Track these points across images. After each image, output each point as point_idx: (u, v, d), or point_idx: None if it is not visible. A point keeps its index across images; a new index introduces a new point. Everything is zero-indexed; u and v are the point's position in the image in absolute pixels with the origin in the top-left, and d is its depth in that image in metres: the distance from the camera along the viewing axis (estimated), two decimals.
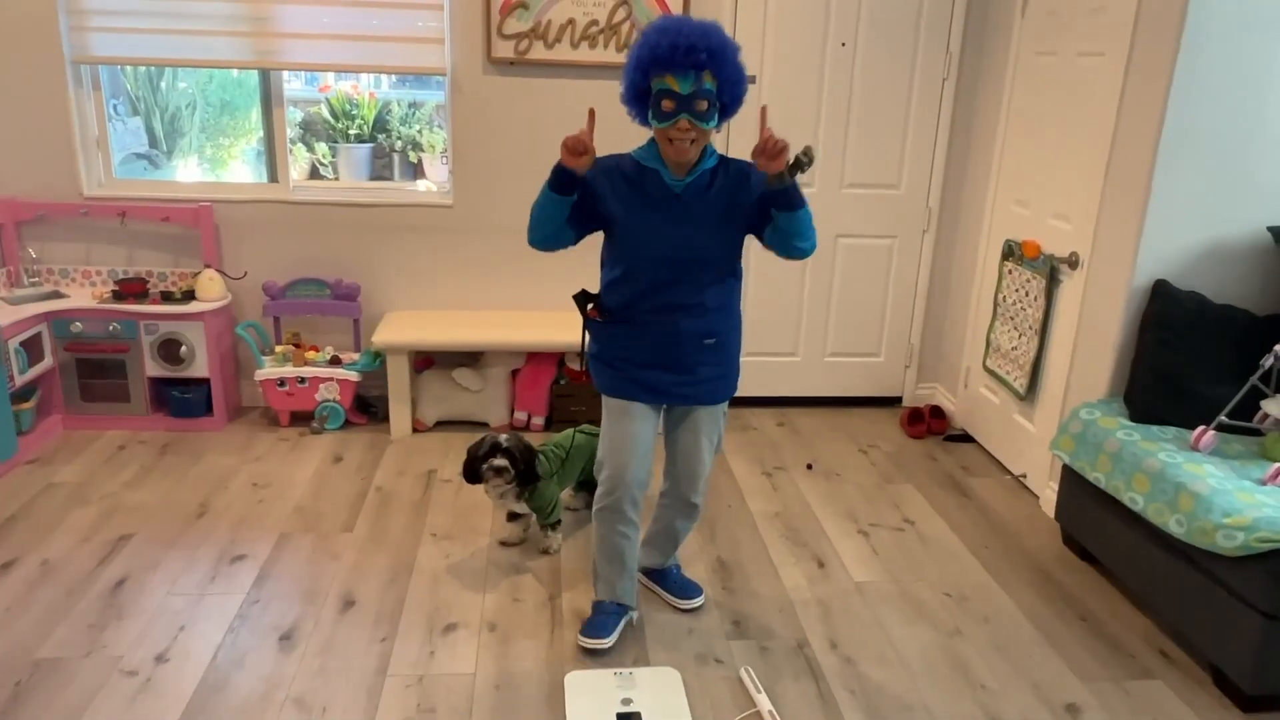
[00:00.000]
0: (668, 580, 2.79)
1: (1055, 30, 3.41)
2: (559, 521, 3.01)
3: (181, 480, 3.42)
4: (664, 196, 2.34)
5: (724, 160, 2.37)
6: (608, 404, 2.50)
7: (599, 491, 2.50)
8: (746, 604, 2.78)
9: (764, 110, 2.24)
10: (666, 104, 2.18)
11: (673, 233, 2.34)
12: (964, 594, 2.87)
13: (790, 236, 2.30)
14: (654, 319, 2.40)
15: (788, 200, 2.24)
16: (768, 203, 2.28)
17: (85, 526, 3.06)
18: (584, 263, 4.08)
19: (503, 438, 2.84)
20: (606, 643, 2.52)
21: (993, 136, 3.86)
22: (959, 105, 4.03)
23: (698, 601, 2.75)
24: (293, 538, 3.05)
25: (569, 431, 3.15)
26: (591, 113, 2.28)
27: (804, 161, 2.19)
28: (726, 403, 2.55)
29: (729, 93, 2.23)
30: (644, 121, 2.29)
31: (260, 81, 3.94)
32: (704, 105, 2.19)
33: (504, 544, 3.05)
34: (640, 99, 2.26)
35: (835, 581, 2.92)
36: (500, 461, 2.81)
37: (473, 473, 2.86)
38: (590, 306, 2.48)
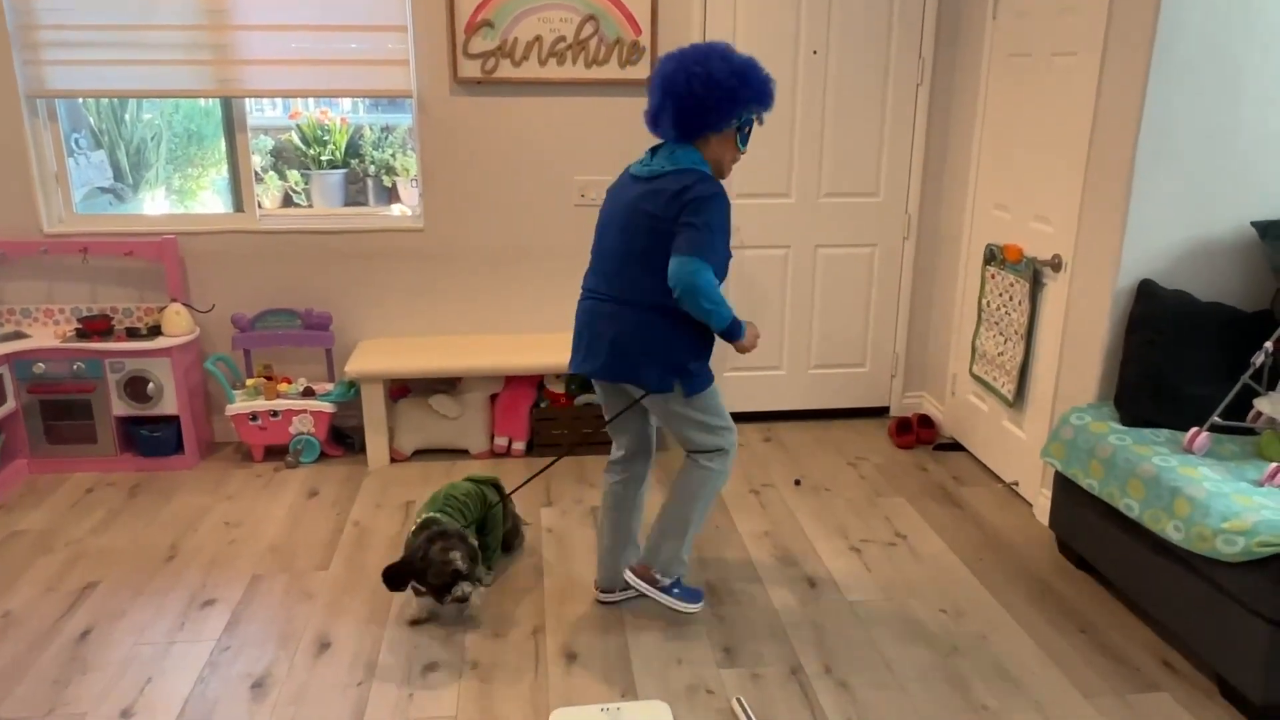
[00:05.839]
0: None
1: (1027, 31, 3.37)
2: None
3: (151, 522, 3.31)
4: None
5: None
6: (713, 390, 2.57)
7: (727, 458, 2.61)
8: (737, 629, 2.69)
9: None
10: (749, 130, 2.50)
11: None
12: (960, 610, 2.79)
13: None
14: None
15: None
16: None
17: (50, 575, 2.95)
18: (549, 283, 4.01)
19: (454, 556, 2.55)
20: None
21: (969, 140, 3.82)
22: (934, 110, 3.99)
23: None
24: (266, 578, 2.94)
25: (455, 482, 2.92)
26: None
27: None
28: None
29: None
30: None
31: (223, 109, 3.86)
32: None
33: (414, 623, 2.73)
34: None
35: (828, 602, 2.83)
36: (466, 586, 2.57)
37: (403, 584, 2.61)
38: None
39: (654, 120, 2.47)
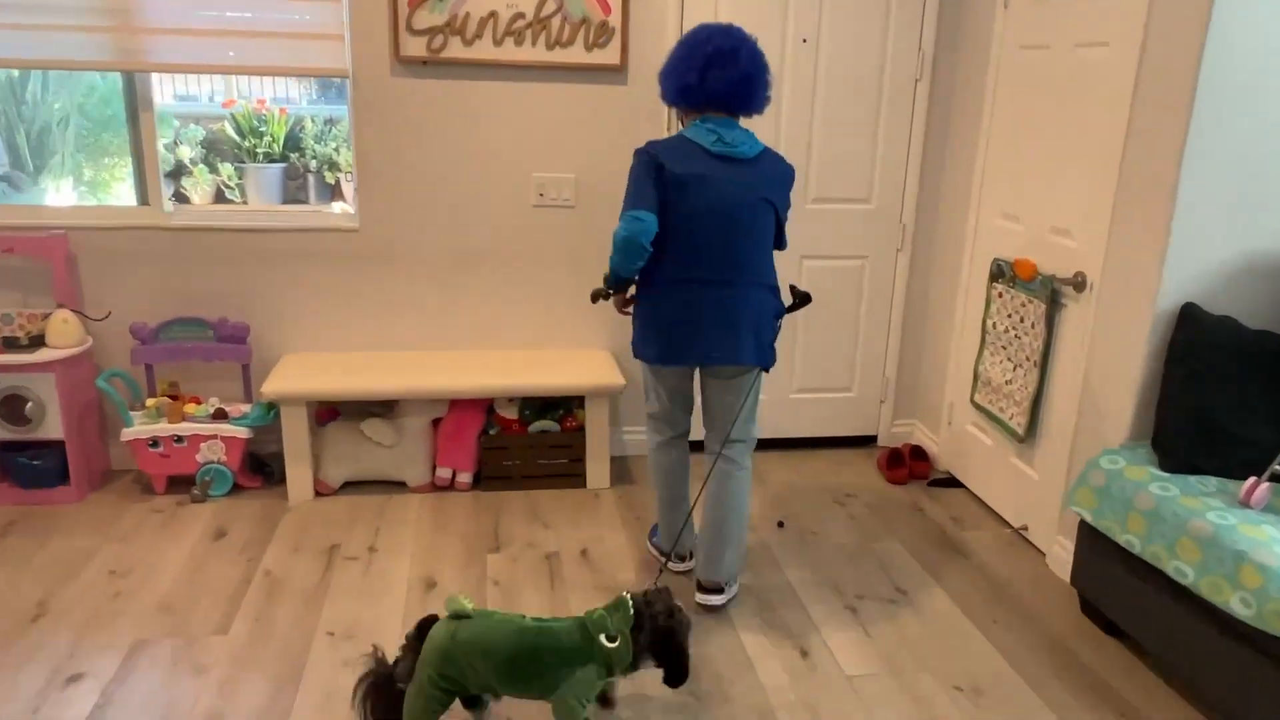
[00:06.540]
0: None
1: (1045, 20, 3.00)
2: None
3: (19, 571, 2.78)
4: None
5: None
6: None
7: (751, 450, 2.70)
8: (719, 712, 2.24)
9: None
10: None
11: None
12: (977, 685, 2.38)
13: None
14: None
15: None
16: None
17: None
18: (502, 294, 3.56)
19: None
20: None
21: (974, 143, 3.44)
22: (934, 109, 3.60)
23: None
24: (150, 645, 2.44)
25: (496, 615, 2.09)
26: None
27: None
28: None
29: None
30: None
31: (124, 86, 3.35)
32: None
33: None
34: None
35: (823, 676, 2.40)
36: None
37: None
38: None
39: (735, 92, 2.42)
